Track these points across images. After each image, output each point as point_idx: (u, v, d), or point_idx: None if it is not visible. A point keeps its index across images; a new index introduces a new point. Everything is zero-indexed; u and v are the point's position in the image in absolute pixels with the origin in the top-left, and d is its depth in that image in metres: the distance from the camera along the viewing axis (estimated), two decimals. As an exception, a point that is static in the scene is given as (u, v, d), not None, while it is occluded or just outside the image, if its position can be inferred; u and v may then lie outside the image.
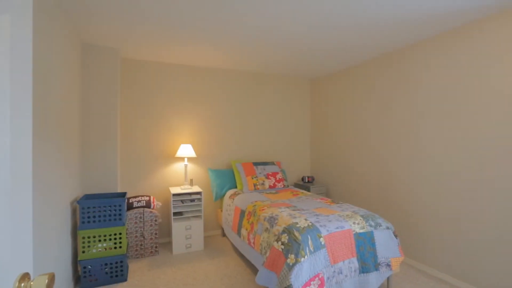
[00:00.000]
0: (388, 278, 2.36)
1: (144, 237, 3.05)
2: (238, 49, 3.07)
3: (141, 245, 3.05)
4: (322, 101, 4.30)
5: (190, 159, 3.73)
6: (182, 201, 3.29)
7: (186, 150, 3.40)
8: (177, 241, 3.20)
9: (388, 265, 2.24)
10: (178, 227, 3.20)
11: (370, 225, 2.29)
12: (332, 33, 2.62)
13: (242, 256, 3.13)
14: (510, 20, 2.14)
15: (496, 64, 2.23)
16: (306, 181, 4.14)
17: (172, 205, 3.17)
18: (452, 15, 2.25)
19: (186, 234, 3.24)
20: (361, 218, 2.32)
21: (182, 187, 3.42)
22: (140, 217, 3.04)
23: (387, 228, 2.36)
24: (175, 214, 3.33)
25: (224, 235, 3.76)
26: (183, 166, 3.67)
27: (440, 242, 2.64)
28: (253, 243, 2.51)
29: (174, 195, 3.22)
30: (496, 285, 2.23)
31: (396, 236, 2.38)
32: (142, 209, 3.06)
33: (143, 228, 3.05)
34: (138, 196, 3.21)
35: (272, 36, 2.69)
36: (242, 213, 2.90)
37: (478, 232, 2.36)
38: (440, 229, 2.64)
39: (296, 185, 4.26)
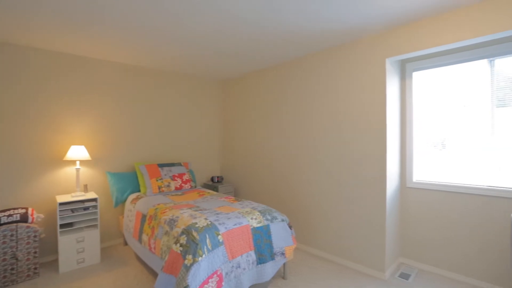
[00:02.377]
0: (284, 265, 2.62)
1: (17, 259, 2.54)
2: (139, 44, 2.88)
3: (11, 269, 2.52)
4: (233, 102, 4.43)
5: (83, 163, 3.29)
6: (72, 210, 2.88)
7: (78, 152, 2.99)
8: (66, 257, 2.79)
9: (283, 254, 2.47)
10: (66, 241, 2.79)
11: (267, 219, 2.49)
12: (236, 39, 2.73)
13: (145, 264, 2.96)
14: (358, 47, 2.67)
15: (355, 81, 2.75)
16: (216, 181, 4.20)
17: (58, 216, 2.74)
18: (338, 34, 2.65)
19: (78, 247, 2.86)
20: (259, 213, 2.50)
21: (73, 194, 2.99)
22: (12, 235, 2.51)
23: (282, 220, 2.60)
24: (63, 226, 2.89)
25: (126, 243, 3.47)
26: (74, 170, 3.22)
27: (324, 228, 3.08)
28: (154, 248, 2.40)
29: (61, 204, 2.79)
30: (359, 256, 2.75)
31: (290, 227, 2.65)
32: (14, 224, 2.54)
33: (16, 248, 2.53)
34: (8, 210, 2.65)
35: (174, 34, 2.63)
36: (144, 217, 2.73)
37: (339, 219, 2.85)
38: (323, 218, 3.08)
39: (205, 186, 4.28)
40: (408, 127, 2.89)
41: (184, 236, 2.09)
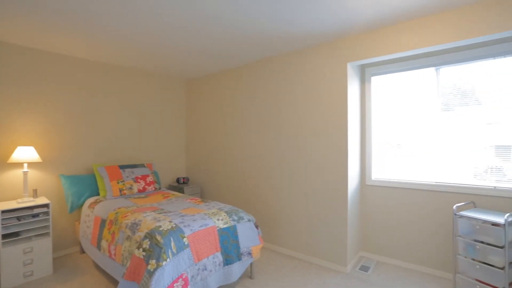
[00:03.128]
0: (251, 265, 2.63)
1: (-50, 274, 2.23)
2: (92, 37, 2.71)
3: None
4: (199, 102, 4.35)
5: (32, 165, 3.00)
6: (18, 218, 2.61)
7: (25, 154, 2.72)
8: (10, 271, 2.51)
9: (250, 254, 2.48)
10: (10, 253, 2.52)
11: (234, 220, 2.49)
12: (199, 37, 2.68)
13: (104, 272, 2.78)
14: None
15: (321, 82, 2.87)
16: (181, 182, 4.09)
17: (0, 226, 2.46)
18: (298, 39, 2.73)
19: (25, 259, 2.59)
20: (225, 214, 2.48)
21: (19, 200, 2.71)
22: None
23: (249, 220, 2.61)
24: (6, 236, 2.61)
25: (83, 251, 3.23)
26: (21, 174, 2.92)
27: (290, 227, 3.16)
28: (114, 254, 2.26)
29: (3, 211, 2.51)
30: (324, 253, 2.87)
31: (257, 226, 2.67)
32: None
33: (-52, 262, 2.23)
34: None
35: (134, 28, 2.51)
36: (103, 222, 2.57)
37: (304, 217, 2.96)
38: (289, 217, 3.15)
39: (170, 187, 4.15)
40: (367, 128, 3.07)
41: (147, 240, 2.00)
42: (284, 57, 3.20)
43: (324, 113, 2.88)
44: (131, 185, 3.23)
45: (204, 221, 2.29)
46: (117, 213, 2.52)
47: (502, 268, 2.00)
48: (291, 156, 3.16)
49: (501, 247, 2.00)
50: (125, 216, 2.40)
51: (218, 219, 2.38)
